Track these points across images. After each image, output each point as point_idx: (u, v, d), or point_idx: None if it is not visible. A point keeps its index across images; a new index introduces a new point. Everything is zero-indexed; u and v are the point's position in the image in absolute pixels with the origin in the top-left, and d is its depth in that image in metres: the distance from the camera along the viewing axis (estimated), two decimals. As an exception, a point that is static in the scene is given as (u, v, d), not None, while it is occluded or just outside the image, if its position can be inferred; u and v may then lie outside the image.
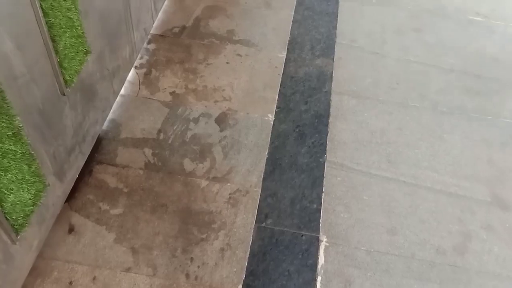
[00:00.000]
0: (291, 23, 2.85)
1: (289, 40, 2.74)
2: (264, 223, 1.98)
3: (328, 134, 2.32)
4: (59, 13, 1.49)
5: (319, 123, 2.37)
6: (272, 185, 2.10)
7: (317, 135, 2.32)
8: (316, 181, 2.14)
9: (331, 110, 2.43)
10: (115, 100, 2.23)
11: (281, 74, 2.55)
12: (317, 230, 1.97)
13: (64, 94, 1.65)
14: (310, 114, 2.40)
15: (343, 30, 2.85)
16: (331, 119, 2.39)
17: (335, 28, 2.86)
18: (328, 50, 2.73)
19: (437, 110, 2.49)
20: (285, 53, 2.67)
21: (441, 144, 2.34)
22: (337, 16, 2.93)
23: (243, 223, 1.96)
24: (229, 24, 2.78)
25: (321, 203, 2.06)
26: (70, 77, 1.65)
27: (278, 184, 2.11)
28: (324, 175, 2.16)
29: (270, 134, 2.28)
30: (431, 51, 2.81)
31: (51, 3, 1.43)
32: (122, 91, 2.33)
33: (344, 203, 2.07)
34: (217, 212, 1.98)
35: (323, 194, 2.09)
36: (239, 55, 2.62)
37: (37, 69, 1.46)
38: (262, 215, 2.00)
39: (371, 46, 2.79)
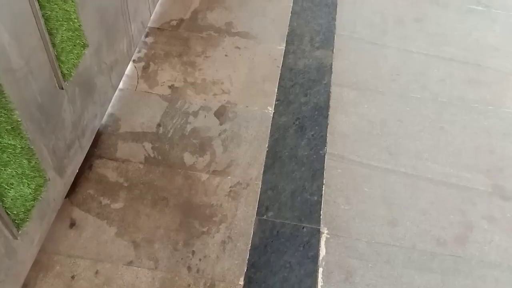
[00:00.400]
0: (290, 14, 2.83)
1: (288, 32, 2.73)
2: (265, 216, 1.98)
3: (328, 126, 2.31)
4: (56, 6, 1.48)
5: (319, 115, 2.36)
6: (272, 178, 2.10)
7: (317, 127, 2.31)
8: (317, 173, 2.13)
9: (331, 102, 2.42)
10: (113, 94, 2.22)
11: (280, 66, 2.54)
12: (318, 222, 1.97)
13: (62, 88, 1.64)
14: (310, 106, 2.39)
15: (343, 21, 2.83)
16: (331, 111, 2.38)
17: (334, 19, 2.84)
18: (328, 41, 2.71)
19: (438, 101, 2.48)
20: (284, 45, 2.65)
21: (442, 135, 2.33)
22: (336, 7, 2.91)
23: (244, 216, 1.96)
24: (228, 16, 2.76)
25: (321, 195, 2.06)
26: (68, 70, 1.65)
27: (279, 177, 2.10)
28: (325, 167, 2.16)
29: (269, 127, 2.27)
30: (432, 41, 2.79)
31: (48, -4, 1.42)
32: (121, 85, 2.32)
33: (344, 195, 2.07)
34: (218, 205, 1.98)
35: (323, 186, 2.09)
36: (237, 47, 2.60)
37: (35, 63, 1.45)
38: (262, 208, 1.99)
39: (371, 37, 2.78)
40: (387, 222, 2.00)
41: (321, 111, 2.38)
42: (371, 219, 2.00)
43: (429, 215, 2.03)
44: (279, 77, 2.49)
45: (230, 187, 2.04)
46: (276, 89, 2.43)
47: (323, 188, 2.08)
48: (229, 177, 2.07)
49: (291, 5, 2.89)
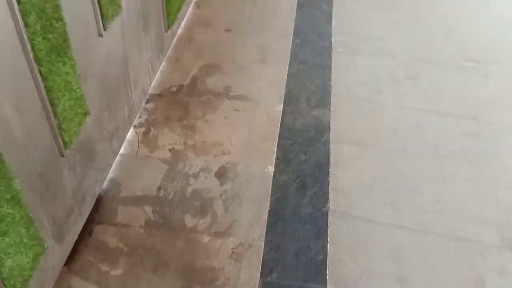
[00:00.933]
0: (286, 77, 2.92)
1: (285, 93, 2.80)
2: (269, 278, 1.92)
3: (330, 183, 2.31)
4: (58, 77, 1.54)
5: (319, 173, 2.36)
6: (275, 237, 2.06)
7: (318, 184, 2.30)
8: (320, 231, 2.09)
9: (331, 159, 2.43)
10: (114, 160, 2.25)
11: (279, 126, 2.58)
12: (324, 282, 1.91)
13: (63, 156, 1.67)
14: (310, 164, 2.40)
15: (338, 81, 2.92)
16: (331, 168, 2.38)
17: (329, 79, 2.93)
18: (324, 101, 2.77)
19: (438, 155, 2.48)
20: (282, 106, 2.71)
21: (446, 188, 2.32)
22: (330, 68, 3.01)
23: (247, 279, 1.90)
24: (226, 80, 2.85)
25: (326, 254, 2.01)
26: (69, 138, 1.68)
27: (282, 237, 2.07)
28: (328, 225, 2.12)
29: (270, 186, 2.27)
30: (426, 97, 2.85)
31: (50, 68, 1.48)
32: (122, 151, 2.35)
33: (350, 253, 2.02)
34: (220, 268, 1.93)
35: (328, 244, 2.04)
36: (236, 110, 2.66)
37: (36, 132, 1.48)
38: (266, 269, 1.94)
39: (367, 95, 2.84)
40: (396, 280, 1.93)
41: (322, 168, 2.38)
42: (380, 277, 1.93)
43: (439, 271, 1.96)
44: (278, 136, 2.53)
45: (232, 248, 2.00)
46: (276, 148, 2.46)
47: (328, 247, 2.03)
48: (231, 238, 2.03)
49: (287, 68, 2.99)
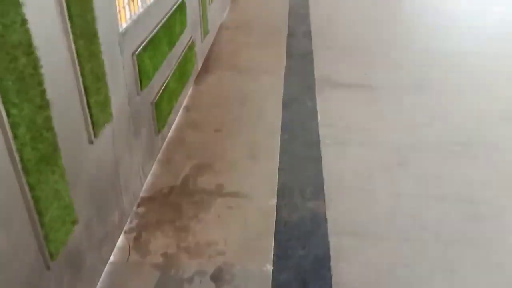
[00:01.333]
0: (278, 170, 2.93)
1: (278, 188, 2.78)
2: None
3: (333, 278, 2.19)
4: (46, 186, 1.51)
5: (321, 268, 2.25)
6: None
7: (320, 280, 2.18)
8: (328, 334, 1.93)
9: (331, 252, 2.34)
10: (104, 269, 2.13)
11: (274, 222, 2.52)
12: None
13: (49, 268, 1.57)
14: (310, 259, 2.30)
15: (329, 172, 2.92)
16: (333, 262, 2.28)
17: (321, 171, 2.93)
18: (318, 192, 2.75)
19: (441, 241, 2.41)
20: (276, 200, 2.67)
21: (454, 276, 2.21)
22: (321, 160, 3.03)
23: None
24: (217, 178, 2.84)
25: None
26: (55, 249, 1.60)
27: None
28: (335, 325, 1.97)
29: (270, 286, 2.14)
30: (420, 183, 2.84)
31: (38, 178, 1.45)
32: (111, 258, 2.24)
33: None
34: None
35: None
36: (230, 207, 2.62)
37: (21, 244, 1.41)
38: None
39: (360, 184, 2.83)
40: None
41: (323, 263, 2.27)
42: None
43: None
44: (274, 232, 2.45)
45: None
46: (273, 245, 2.37)
47: None
48: None
49: (278, 162, 3.01)
